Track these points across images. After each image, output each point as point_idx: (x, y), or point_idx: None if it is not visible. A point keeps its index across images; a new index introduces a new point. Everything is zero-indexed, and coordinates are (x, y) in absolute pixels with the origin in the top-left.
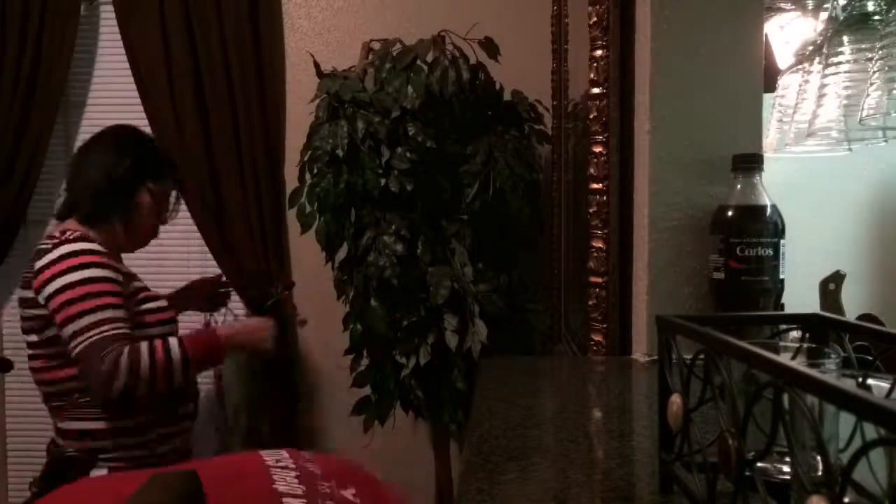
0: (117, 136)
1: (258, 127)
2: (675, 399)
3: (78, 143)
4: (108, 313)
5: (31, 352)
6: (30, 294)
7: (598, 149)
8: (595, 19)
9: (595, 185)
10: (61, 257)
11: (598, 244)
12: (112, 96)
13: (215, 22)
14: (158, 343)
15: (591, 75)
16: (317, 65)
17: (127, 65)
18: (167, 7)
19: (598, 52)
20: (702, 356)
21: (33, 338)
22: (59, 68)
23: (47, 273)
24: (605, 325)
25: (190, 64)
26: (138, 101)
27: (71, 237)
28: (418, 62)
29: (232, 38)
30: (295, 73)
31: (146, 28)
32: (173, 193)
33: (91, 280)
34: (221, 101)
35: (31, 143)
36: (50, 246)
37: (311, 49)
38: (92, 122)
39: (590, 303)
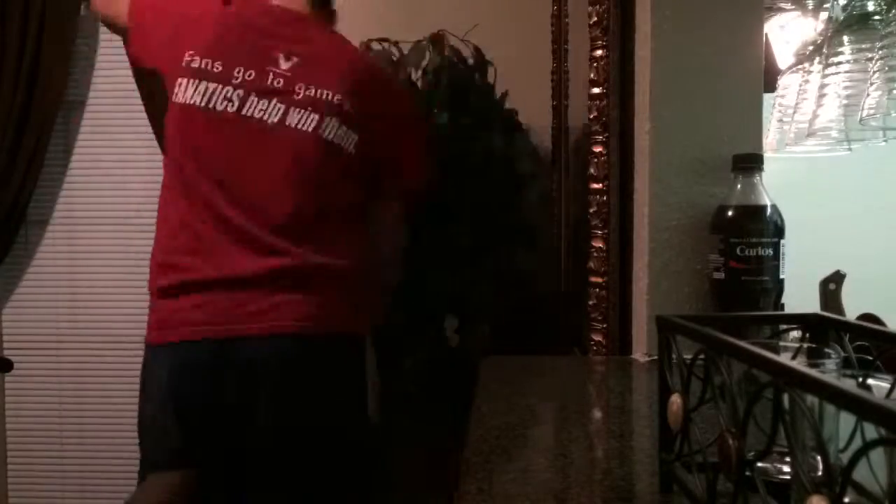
0: None
1: None
2: (675, 399)
3: (78, 143)
4: None
5: None
6: None
7: (598, 149)
8: (595, 19)
9: (595, 185)
10: None
11: (598, 244)
12: (112, 96)
13: None
14: None
15: (591, 75)
16: None
17: (127, 64)
18: None
19: (598, 52)
20: (702, 356)
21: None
22: (59, 68)
23: None
24: (605, 325)
25: None
26: (139, 101)
27: None
28: (416, 64)
29: None
30: None
31: None
32: None
33: None
34: None
35: (31, 143)
36: None
37: None
38: (92, 122)
39: (590, 303)
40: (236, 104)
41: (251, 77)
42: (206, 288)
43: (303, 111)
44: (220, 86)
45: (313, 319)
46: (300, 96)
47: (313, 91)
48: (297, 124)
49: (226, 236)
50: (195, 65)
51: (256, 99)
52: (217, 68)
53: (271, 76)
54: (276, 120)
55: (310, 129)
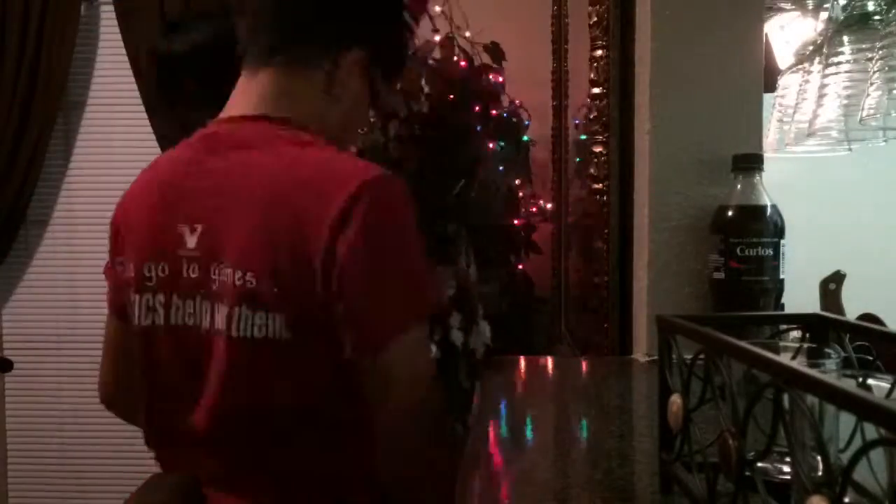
0: None
1: None
2: (675, 399)
3: (78, 143)
4: None
5: None
6: None
7: (598, 149)
8: (595, 19)
9: (595, 185)
10: None
11: (598, 244)
12: (112, 96)
13: None
14: None
15: (591, 75)
16: None
17: (127, 65)
18: (168, 7)
19: (598, 52)
20: (702, 356)
21: None
22: (59, 68)
23: None
24: (605, 325)
25: None
26: (139, 101)
27: None
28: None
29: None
30: None
31: (146, 28)
32: None
33: None
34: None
35: (31, 143)
36: None
37: None
38: (92, 122)
39: (590, 303)
40: (161, 314)
41: (165, 273)
42: None
43: (223, 305)
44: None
45: None
46: (216, 285)
47: (226, 273)
48: (222, 325)
49: None
50: (122, 275)
51: (181, 301)
52: (130, 272)
53: (185, 263)
54: (208, 325)
55: (222, 329)
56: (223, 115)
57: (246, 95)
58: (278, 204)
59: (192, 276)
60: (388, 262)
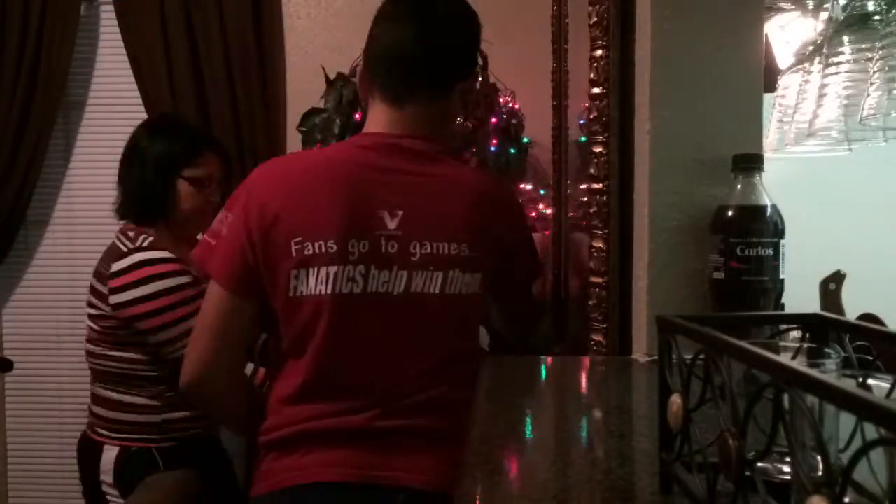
0: (149, 128)
1: (260, 127)
2: (675, 399)
3: (78, 143)
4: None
5: (91, 335)
6: (101, 288)
7: (598, 149)
8: (595, 19)
9: (595, 185)
10: (141, 263)
11: (598, 244)
12: (112, 96)
13: (216, 22)
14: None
15: (591, 75)
16: (327, 77)
17: (127, 65)
18: (167, 7)
19: (598, 52)
20: (702, 356)
21: (94, 326)
22: (59, 68)
23: (126, 279)
24: (605, 325)
25: (191, 64)
26: (139, 101)
27: (145, 244)
28: None
29: (233, 38)
30: (295, 73)
31: (146, 28)
32: (217, 167)
33: (177, 288)
34: (222, 101)
35: (31, 143)
36: (126, 250)
37: (310, 49)
38: (92, 122)
39: (590, 303)
40: (360, 283)
41: (366, 249)
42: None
43: (424, 272)
44: (341, 267)
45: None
46: (417, 257)
47: (429, 247)
48: (422, 288)
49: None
50: (308, 252)
51: (377, 271)
52: (331, 248)
53: (384, 240)
54: (401, 290)
55: (436, 291)
56: (382, 131)
57: (393, 120)
58: (479, 202)
59: (391, 250)
60: (528, 231)
